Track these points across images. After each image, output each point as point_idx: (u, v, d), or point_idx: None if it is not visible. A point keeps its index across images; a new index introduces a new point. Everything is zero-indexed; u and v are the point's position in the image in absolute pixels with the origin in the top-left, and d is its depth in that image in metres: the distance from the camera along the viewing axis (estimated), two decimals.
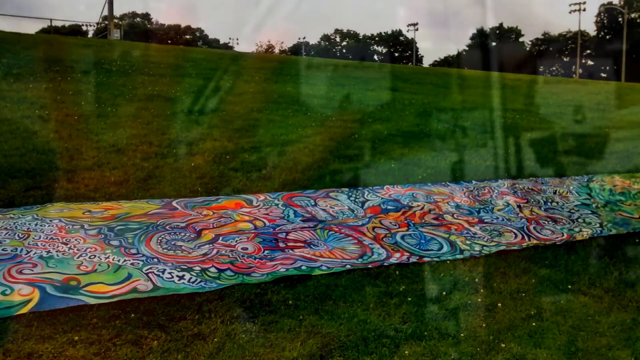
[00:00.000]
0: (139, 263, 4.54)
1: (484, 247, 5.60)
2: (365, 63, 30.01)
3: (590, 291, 4.65)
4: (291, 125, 10.41)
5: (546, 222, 6.47)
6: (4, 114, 9.25)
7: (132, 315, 3.80)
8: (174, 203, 6.09)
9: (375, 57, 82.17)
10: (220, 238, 5.24)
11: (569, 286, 4.71)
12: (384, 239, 5.59)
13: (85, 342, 3.45)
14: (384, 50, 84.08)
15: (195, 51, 26.99)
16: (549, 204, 7.17)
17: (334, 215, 6.13)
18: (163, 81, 13.99)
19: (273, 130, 9.90)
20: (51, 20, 51.00)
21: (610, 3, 62.25)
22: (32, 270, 4.23)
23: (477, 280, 4.75)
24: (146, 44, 27.94)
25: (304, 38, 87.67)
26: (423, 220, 6.23)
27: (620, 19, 60.42)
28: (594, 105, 17.73)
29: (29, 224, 5.13)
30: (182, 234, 5.26)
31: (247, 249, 5.08)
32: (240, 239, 5.26)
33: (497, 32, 75.94)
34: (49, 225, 5.13)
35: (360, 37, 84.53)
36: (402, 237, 5.69)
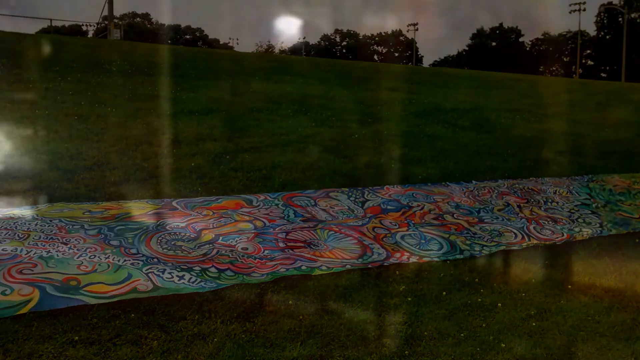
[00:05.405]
0: (139, 263, 4.54)
1: (484, 247, 5.60)
2: (364, 63, 30.01)
3: (590, 291, 4.65)
4: (291, 125, 10.40)
5: (546, 222, 6.47)
6: (4, 114, 9.25)
7: (132, 315, 3.80)
8: (174, 203, 6.09)
9: (376, 57, 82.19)
10: (220, 238, 5.24)
11: (569, 286, 4.71)
12: (384, 239, 5.59)
13: (85, 342, 3.45)
14: (384, 50, 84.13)
15: (195, 51, 27.00)
16: (549, 204, 7.17)
17: (334, 215, 6.13)
18: (163, 81, 13.99)
19: (273, 130, 9.90)
20: (51, 20, 50.98)
21: (610, 3, 62.24)
22: (32, 270, 4.23)
23: (477, 280, 4.75)
24: (146, 44, 27.94)
25: (304, 38, 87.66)
26: (423, 220, 6.23)
27: (620, 19, 60.43)
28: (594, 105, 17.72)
29: (29, 224, 5.13)
30: (182, 234, 5.26)
31: (247, 249, 5.08)
32: (240, 239, 5.26)
33: (497, 32, 75.97)
34: (49, 225, 5.12)
35: (360, 37, 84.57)
36: (402, 237, 5.69)
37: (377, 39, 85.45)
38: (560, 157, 9.84)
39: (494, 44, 75.73)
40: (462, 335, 3.82)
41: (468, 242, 5.72)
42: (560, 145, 10.81)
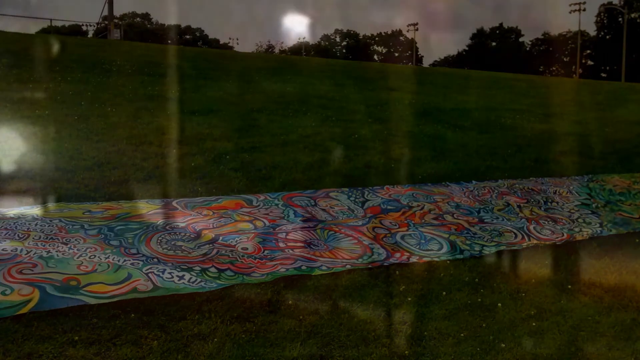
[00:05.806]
0: (139, 263, 4.54)
1: (484, 247, 5.60)
2: (364, 63, 29.98)
3: (590, 291, 4.65)
4: (291, 125, 10.40)
5: (546, 222, 6.47)
6: (4, 114, 9.25)
7: (132, 315, 3.80)
8: (174, 203, 6.09)
9: (376, 57, 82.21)
10: (220, 238, 5.24)
11: (569, 286, 4.71)
12: (384, 239, 5.60)
13: (85, 342, 3.45)
14: (384, 51, 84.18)
15: (195, 51, 27.00)
16: (549, 204, 7.17)
17: (334, 215, 6.13)
18: (163, 81, 13.99)
19: (273, 130, 9.90)
20: (51, 20, 50.94)
21: (610, 3, 62.24)
22: (32, 270, 4.23)
23: (477, 280, 4.75)
24: (146, 44, 27.94)
25: (304, 38, 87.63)
26: (423, 220, 6.23)
27: (620, 19, 60.41)
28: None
29: (29, 224, 5.13)
30: (182, 234, 5.26)
31: (247, 249, 5.08)
32: (240, 239, 5.26)
33: (497, 32, 75.97)
34: (49, 225, 5.12)
35: (360, 37, 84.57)
36: (402, 237, 5.69)
37: (377, 39, 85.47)
38: (561, 157, 9.84)
39: (494, 44, 75.73)
40: (462, 335, 3.83)
41: (468, 242, 5.72)
42: (561, 145, 10.81)
